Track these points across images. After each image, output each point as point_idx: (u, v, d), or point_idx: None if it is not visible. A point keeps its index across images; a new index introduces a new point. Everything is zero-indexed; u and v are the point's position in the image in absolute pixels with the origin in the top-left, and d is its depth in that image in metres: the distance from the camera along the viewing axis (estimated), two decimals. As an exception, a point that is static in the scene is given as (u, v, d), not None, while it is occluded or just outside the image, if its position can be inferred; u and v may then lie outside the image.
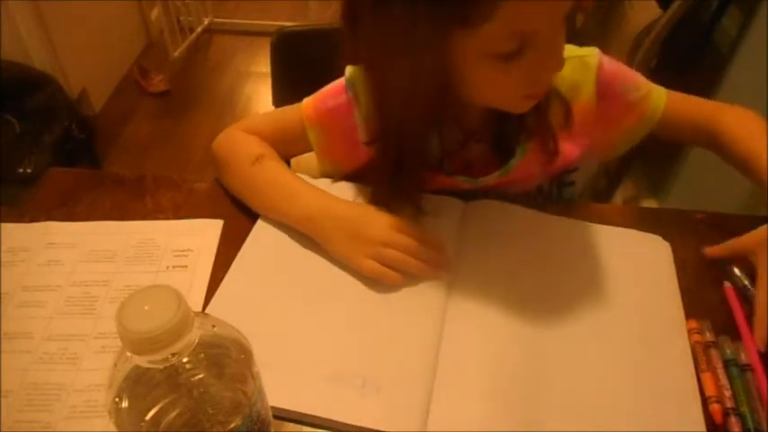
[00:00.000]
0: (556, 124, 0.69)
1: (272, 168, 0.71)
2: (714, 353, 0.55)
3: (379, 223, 0.64)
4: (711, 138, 0.72)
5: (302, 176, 0.71)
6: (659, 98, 0.73)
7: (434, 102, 0.62)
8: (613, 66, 0.71)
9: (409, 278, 0.62)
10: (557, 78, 0.66)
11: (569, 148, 0.72)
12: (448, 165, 0.71)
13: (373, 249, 0.62)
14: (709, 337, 0.57)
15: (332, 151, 0.75)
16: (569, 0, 0.54)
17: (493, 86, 0.60)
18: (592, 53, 0.71)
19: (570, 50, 0.69)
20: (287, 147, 0.75)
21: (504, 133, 0.70)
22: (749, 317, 0.58)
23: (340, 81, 0.72)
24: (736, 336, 0.57)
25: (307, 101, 0.74)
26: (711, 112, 0.73)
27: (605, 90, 0.70)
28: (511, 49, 0.54)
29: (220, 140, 0.76)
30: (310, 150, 0.76)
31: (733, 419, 0.51)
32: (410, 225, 0.65)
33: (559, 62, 0.58)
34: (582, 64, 0.70)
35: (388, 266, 0.61)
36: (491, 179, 0.72)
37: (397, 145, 0.66)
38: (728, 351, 0.55)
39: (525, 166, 0.71)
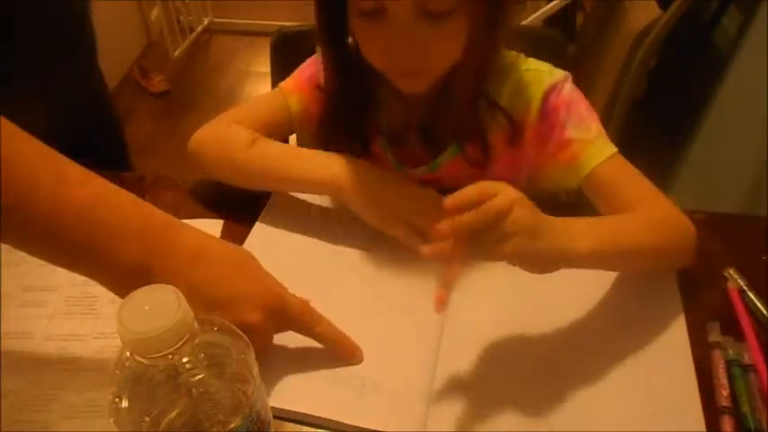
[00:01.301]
0: (497, 138, 0.68)
1: (273, 144, 0.71)
2: (717, 352, 0.55)
3: (409, 188, 0.66)
4: None
5: None
6: (598, 152, 0.64)
7: (349, 58, 0.64)
8: (573, 95, 0.67)
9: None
10: (505, 88, 0.66)
11: (512, 163, 0.71)
12: (384, 139, 0.73)
13: (404, 215, 0.63)
14: (715, 338, 0.57)
15: (310, 117, 0.75)
16: None
17: (366, 48, 0.62)
18: (553, 73, 0.68)
19: (538, 65, 0.69)
20: (270, 132, 0.75)
21: (436, 125, 0.70)
22: (752, 318, 0.58)
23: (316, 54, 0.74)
24: (738, 336, 0.57)
25: (286, 80, 0.76)
26: (632, 205, 0.61)
27: (548, 112, 0.67)
28: (367, 7, 0.58)
29: (202, 137, 0.72)
30: (291, 134, 0.79)
31: (726, 418, 0.51)
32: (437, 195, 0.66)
33: (410, 49, 0.58)
34: (536, 78, 0.68)
35: (415, 233, 0.62)
36: (419, 171, 0.73)
37: (334, 98, 0.70)
38: (731, 351, 0.55)
39: (454, 167, 0.71)
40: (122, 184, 0.76)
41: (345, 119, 0.71)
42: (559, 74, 0.68)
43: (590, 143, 0.65)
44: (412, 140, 0.73)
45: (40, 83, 0.77)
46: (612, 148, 0.65)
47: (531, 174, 0.72)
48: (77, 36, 0.84)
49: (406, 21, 0.57)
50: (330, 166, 0.66)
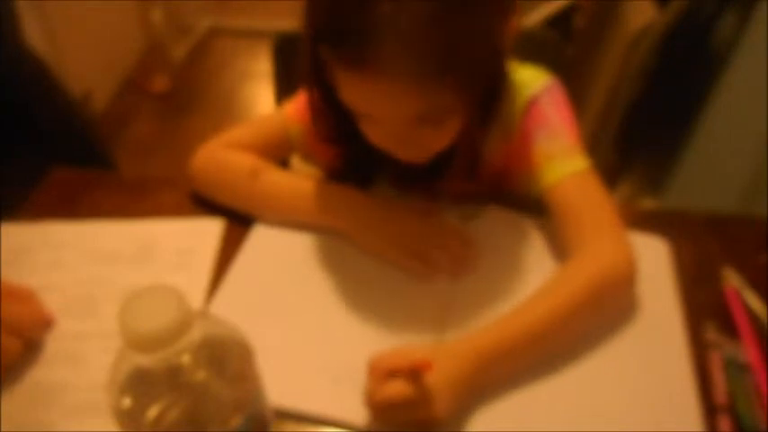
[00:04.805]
0: (491, 152, 0.68)
1: (275, 175, 0.70)
2: (714, 351, 0.55)
3: (411, 218, 0.66)
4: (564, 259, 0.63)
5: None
6: (560, 168, 0.63)
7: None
8: (548, 108, 0.66)
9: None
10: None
11: (502, 177, 0.72)
12: (387, 184, 0.73)
13: (406, 242, 0.64)
14: (712, 337, 0.57)
15: (312, 147, 0.74)
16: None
17: (366, 135, 0.61)
18: (534, 84, 0.67)
19: (523, 75, 0.67)
20: (270, 154, 0.75)
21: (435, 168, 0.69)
22: (749, 317, 0.58)
23: None
24: (735, 335, 0.57)
25: (288, 103, 0.75)
26: (581, 242, 0.60)
27: (525, 125, 0.66)
28: (357, 111, 0.58)
29: (202, 160, 0.72)
30: (292, 153, 0.78)
31: (723, 417, 0.51)
32: (440, 222, 0.68)
33: (407, 147, 0.59)
34: (517, 93, 0.66)
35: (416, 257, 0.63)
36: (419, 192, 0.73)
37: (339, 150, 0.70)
38: (728, 350, 0.55)
39: (451, 189, 0.72)
40: (123, 184, 0.78)
41: (351, 167, 0.71)
42: (541, 84, 0.67)
43: (553, 157, 0.64)
44: (412, 180, 0.73)
45: None
46: (579, 165, 0.63)
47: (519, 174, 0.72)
48: None
49: (400, 128, 0.57)
50: (333, 209, 0.67)
